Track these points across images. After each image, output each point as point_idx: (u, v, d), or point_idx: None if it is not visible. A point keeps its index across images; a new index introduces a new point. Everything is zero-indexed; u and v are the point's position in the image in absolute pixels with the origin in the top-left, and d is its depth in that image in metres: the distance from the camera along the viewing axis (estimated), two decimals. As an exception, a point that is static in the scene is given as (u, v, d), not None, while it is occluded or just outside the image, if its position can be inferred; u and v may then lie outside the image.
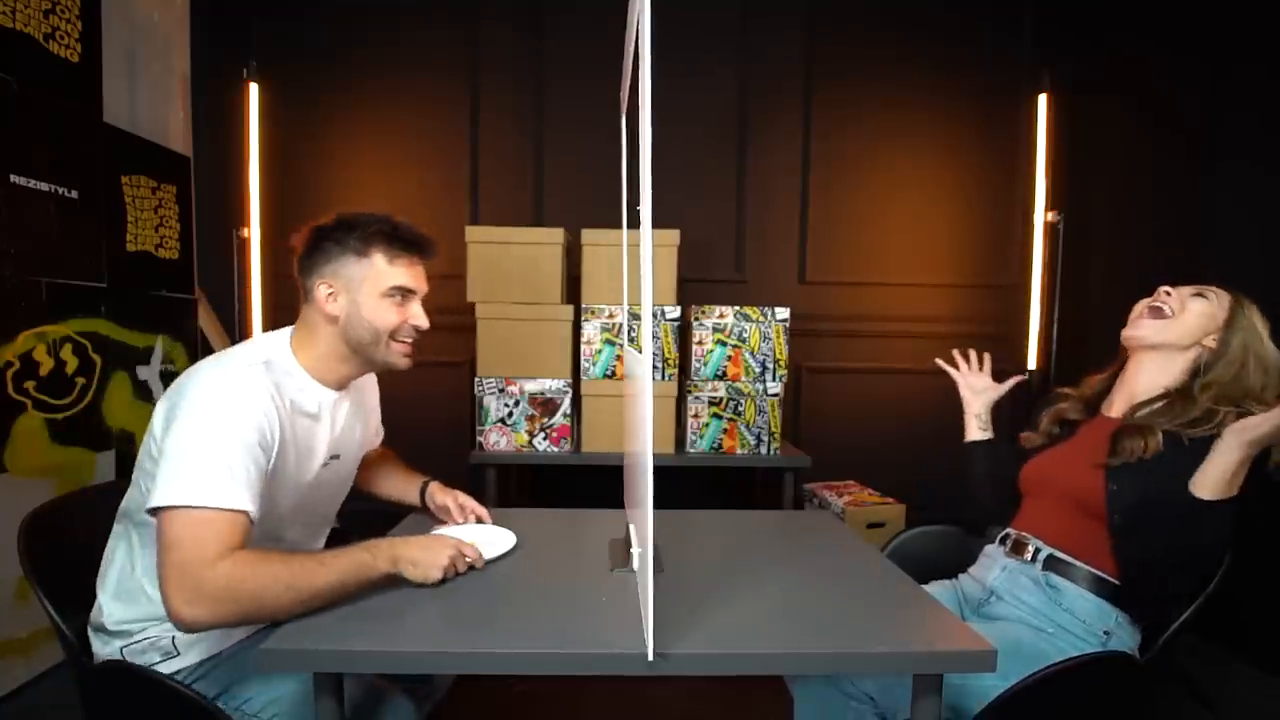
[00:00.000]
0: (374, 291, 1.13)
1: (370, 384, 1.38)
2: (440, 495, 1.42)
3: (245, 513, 0.96)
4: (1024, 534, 1.27)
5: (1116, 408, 1.29)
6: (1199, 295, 1.23)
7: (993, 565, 1.29)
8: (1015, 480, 1.36)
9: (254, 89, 2.69)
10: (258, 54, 2.75)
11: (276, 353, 1.12)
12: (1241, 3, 2.15)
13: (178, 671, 1.06)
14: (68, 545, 1.13)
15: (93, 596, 1.08)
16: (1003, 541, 1.31)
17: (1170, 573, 1.13)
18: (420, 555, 1.03)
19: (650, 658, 0.82)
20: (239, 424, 0.99)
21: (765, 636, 0.91)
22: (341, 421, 1.22)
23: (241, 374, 1.03)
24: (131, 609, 1.06)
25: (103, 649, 1.06)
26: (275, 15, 2.86)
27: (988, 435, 1.46)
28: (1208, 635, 2.14)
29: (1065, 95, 2.74)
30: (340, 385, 1.19)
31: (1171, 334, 1.22)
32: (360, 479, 1.40)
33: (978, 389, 1.48)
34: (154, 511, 0.95)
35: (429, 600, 1.00)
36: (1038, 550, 1.23)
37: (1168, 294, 1.25)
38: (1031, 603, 1.19)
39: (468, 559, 1.08)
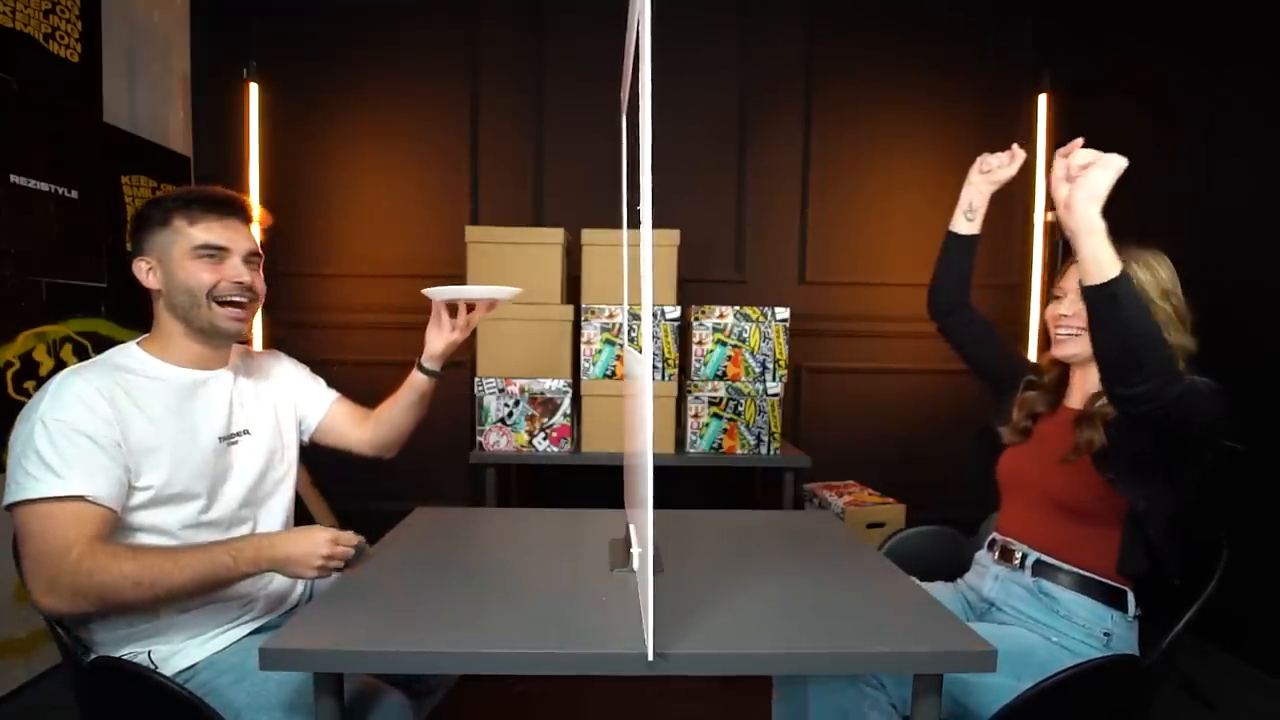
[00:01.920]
0: (182, 255, 1.13)
1: (272, 363, 1.40)
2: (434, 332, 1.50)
3: (83, 497, 0.99)
4: (1010, 539, 1.27)
5: (1077, 399, 1.28)
6: None
7: (985, 574, 1.29)
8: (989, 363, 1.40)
9: (254, 89, 2.69)
10: (258, 54, 2.75)
11: (121, 352, 1.15)
12: (1241, 4, 2.15)
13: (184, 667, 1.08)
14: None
15: None
16: (991, 547, 1.31)
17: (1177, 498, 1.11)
18: (290, 554, 1.03)
19: (650, 658, 0.82)
20: (62, 416, 1.01)
21: (765, 636, 0.91)
22: (233, 398, 1.22)
23: (70, 376, 1.06)
24: (103, 627, 1.07)
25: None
26: (275, 15, 2.86)
27: (972, 230, 1.44)
28: (1207, 635, 2.14)
29: (1065, 96, 2.74)
30: (200, 364, 1.19)
31: (1085, 348, 1.19)
32: (376, 433, 1.52)
33: (985, 173, 1.45)
34: (9, 510, 1.00)
35: (429, 601, 1.00)
36: (1024, 556, 1.23)
37: (1065, 316, 1.22)
38: (1030, 613, 1.20)
39: (345, 545, 1.05)
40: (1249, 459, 2.07)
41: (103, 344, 2.14)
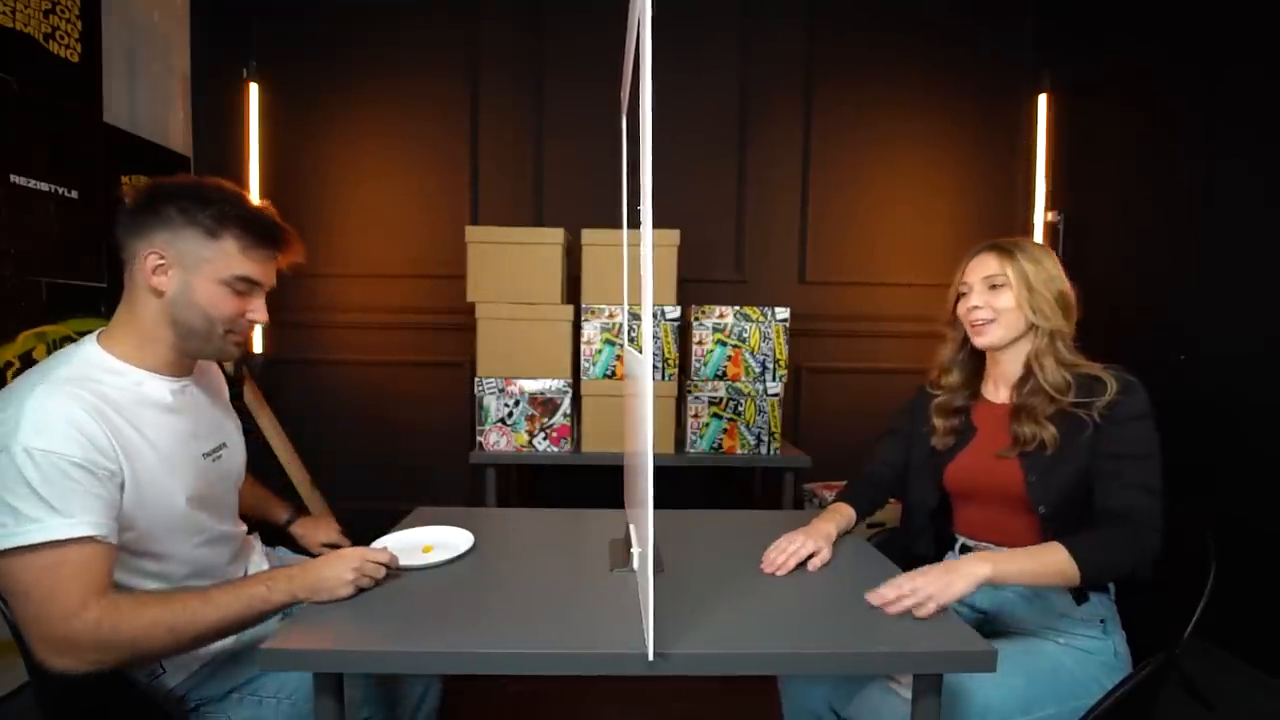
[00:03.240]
0: (214, 276, 1.01)
1: (215, 372, 1.26)
2: (318, 532, 1.41)
3: (92, 538, 0.86)
4: (976, 541, 1.27)
5: (1000, 392, 1.31)
6: (995, 288, 1.25)
7: None
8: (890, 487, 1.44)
9: (254, 89, 2.69)
10: (258, 54, 2.75)
11: (82, 357, 1.00)
12: (1240, 5, 2.15)
13: (172, 688, 1.04)
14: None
15: None
16: (963, 552, 1.28)
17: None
18: (324, 576, 0.98)
19: (650, 658, 0.82)
20: (51, 445, 0.86)
21: (765, 636, 0.91)
22: (205, 410, 1.13)
23: (43, 390, 0.90)
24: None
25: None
26: (275, 15, 2.86)
27: (849, 525, 1.37)
28: (1207, 635, 2.14)
29: (1065, 96, 2.74)
30: (176, 372, 1.07)
31: (1006, 333, 1.25)
32: None
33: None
34: None
35: (429, 601, 1.00)
36: None
37: (977, 308, 1.26)
38: (1030, 619, 1.19)
39: (378, 563, 1.03)
40: (1249, 459, 2.07)
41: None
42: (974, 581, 1.01)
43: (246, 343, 1.12)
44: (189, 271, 1.00)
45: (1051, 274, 1.24)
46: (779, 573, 1.14)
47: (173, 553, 1.03)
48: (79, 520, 0.86)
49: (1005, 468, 1.21)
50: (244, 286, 1.04)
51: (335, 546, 1.38)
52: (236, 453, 1.21)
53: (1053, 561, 1.05)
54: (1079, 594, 1.16)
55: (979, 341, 1.28)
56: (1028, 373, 1.24)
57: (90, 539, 0.87)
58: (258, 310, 1.07)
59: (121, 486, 0.93)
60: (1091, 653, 1.13)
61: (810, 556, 1.18)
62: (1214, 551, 1.09)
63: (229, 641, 1.05)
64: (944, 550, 1.34)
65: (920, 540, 1.36)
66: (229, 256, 1.01)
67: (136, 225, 1.00)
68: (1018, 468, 1.20)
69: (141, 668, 0.98)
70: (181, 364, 1.08)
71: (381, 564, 1.04)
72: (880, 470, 1.46)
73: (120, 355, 1.02)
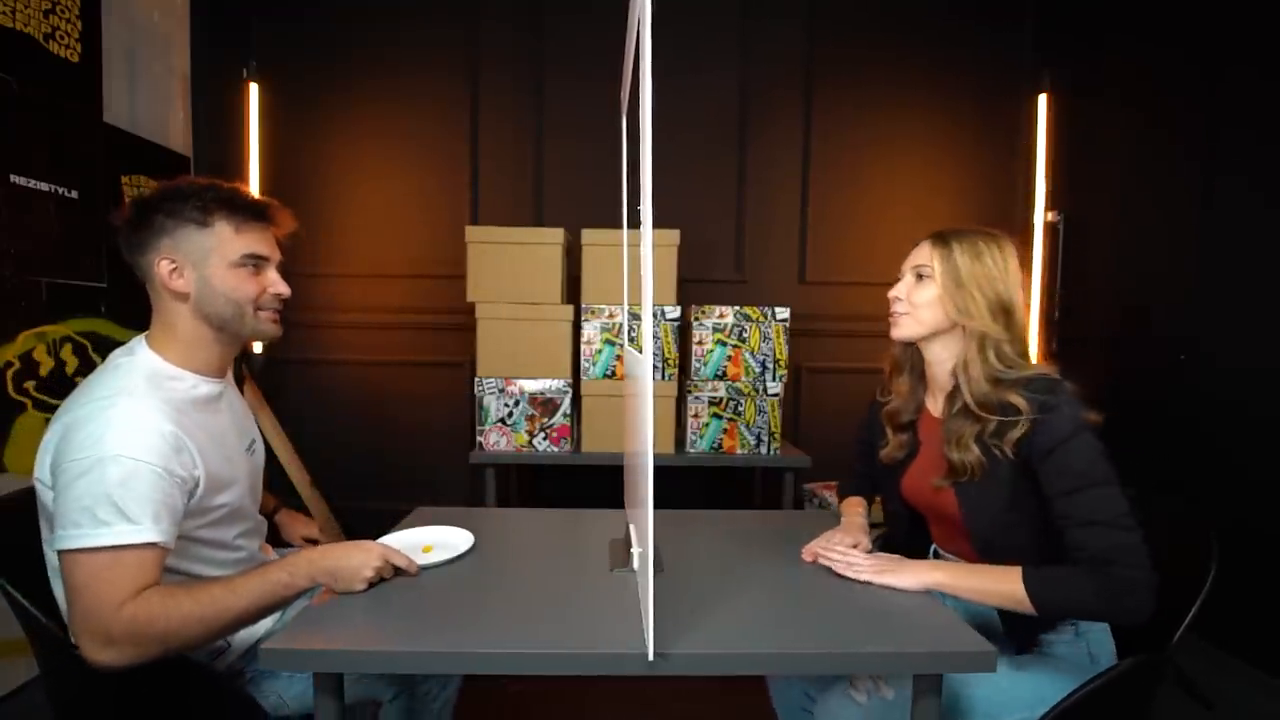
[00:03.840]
0: (223, 262, 1.05)
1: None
2: (298, 526, 1.45)
3: (153, 545, 0.92)
4: (949, 555, 1.23)
5: (937, 403, 1.23)
6: (921, 278, 1.17)
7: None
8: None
9: (254, 89, 2.69)
10: (258, 54, 2.75)
11: (146, 365, 1.04)
12: (1239, 6, 2.15)
13: (230, 664, 1.10)
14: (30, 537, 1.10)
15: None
16: (935, 556, 1.27)
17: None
18: (342, 566, 1.01)
19: (650, 658, 0.82)
20: (134, 456, 0.92)
21: (765, 636, 0.91)
22: (238, 406, 1.20)
23: (125, 403, 0.96)
24: None
25: None
26: (275, 15, 2.86)
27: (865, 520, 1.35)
28: (1206, 635, 2.14)
29: (1065, 96, 2.74)
30: (219, 371, 1.13)
31: (917, 328, 1.18)
32: None
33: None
34: (60, 553, 0.91)
35: (429, 601, 1.00)
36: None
37: (897, 299, 1.20)
38: (1010, 629, 1.15)
39: (395, 564, 1.06)
40: (1249, 458, 2.07)
41: (103, 344, 2.14)
42: (919, 584, 1.04)
43: (279, 318, 1.15)
44: (200, 266, 1.05)
45: (992, 273, 1.12)
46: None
47: (231, 542, 1.11)
48: (145, 527, 0.91)
49: (944, 493, 1.15)
50: (252, 263, 1.08)
51: (314, 541, 1.42)
52: (260, 445, 1.27)
53: (1008, 591, 1.00)
54: None
55: (892, 333, 1.22)
56: (956, 384, 1.15)
57: (151, 545, 0.92)
58: (275, 283, 1.12)
59: (193, 491, 1.00)
60: (1063, 658, 1.09)
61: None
62: (1217, 553, 1.07)
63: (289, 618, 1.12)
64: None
65: (907, 546, 1.30)
66: (227, 239, 1.05)
67: (138, 243, 1.05)
68: (953, 495, 1.14)
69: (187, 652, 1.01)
70: (223, 362, 1.14)
71: (398, 566, 1.07)
72: (860, 479, 1.46)
73: (173, 360, 1.07)
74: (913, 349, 1.26)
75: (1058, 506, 1.02)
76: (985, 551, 1.12)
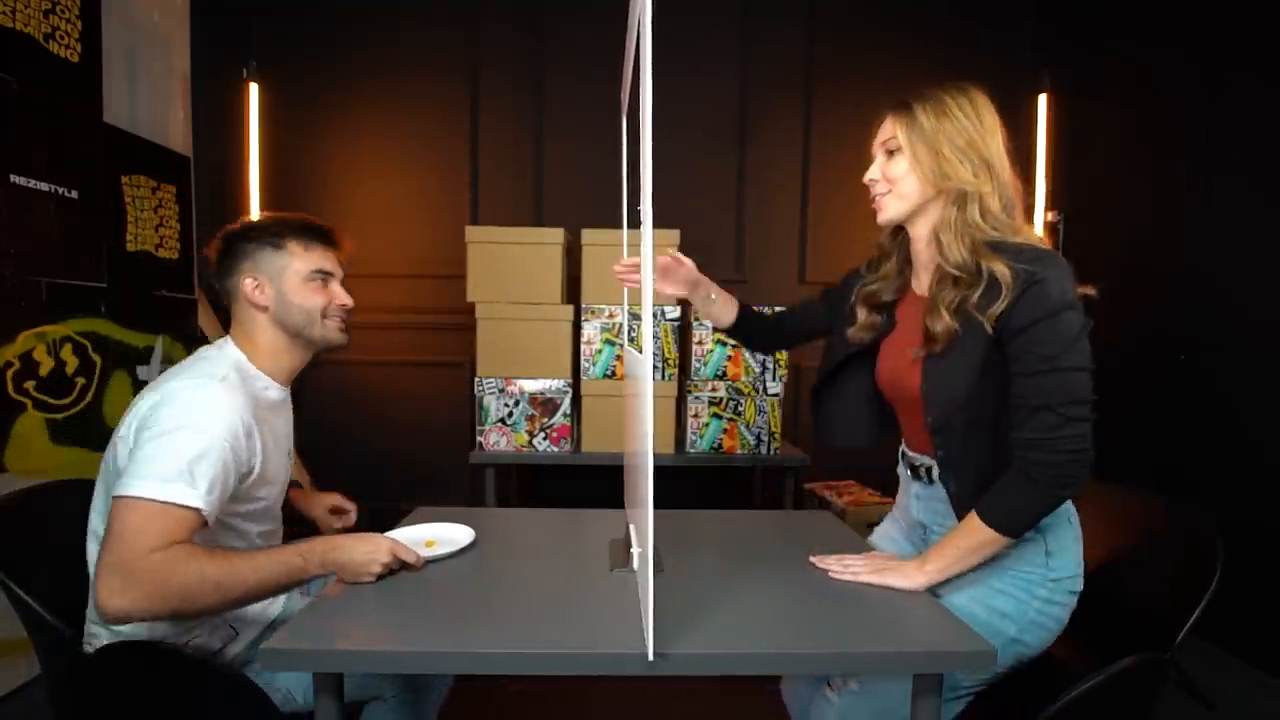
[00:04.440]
0: (296, 277, 1.22)
1: None
2: (312, 504, 1.49)
3: (198, 512, 1.00)
4: (914, 454, 1.19)
5: (922, 281, 1.17)
6: (890, 153, 1.11)
7: (907, 492, 1.25)
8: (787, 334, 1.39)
9: (254, 89, 2.69)
10: (258, 54, 2.76)
11: (235, 359, 1.20)
12: (1238, 7, 2.15)
13: (238, 652, 1.14)
14: (34, 536, 1.12)
15: (57, 587, 1.06)
16: (903, 461, 1.25)
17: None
18: (353, 557, 1.05)
19: (650, 658, 0.82)
20: (212, 432, 1.04)
21: (765, 636, 0.91)
22: (290, 418, 1.33)
23: (216, 386, 1.09)
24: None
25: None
26: (275, 15, 2.86)
27: (729, 317, 1.37)
28: (1208, 635, 2.14)
29: (1065, 96, 2.74)
30: (287, 379, 1.27)
31: (901, 204, 1.11)
32: None
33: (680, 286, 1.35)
34: (117, 499, 0.98)
35: (429, 601, 1.00)
36: (929, 469, 1.15)
37: (874, 181, 1.14)
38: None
39: (403, 559, 1.09)
40: (1249, 458, 2.07)
41: (102, 344, 2.14)
42: (908, 585, 1.04)
43: (345, 326, 1.29)
44: (276, 281, 1.21)
45: (962, 125, 1.05)
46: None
47: (254, 539, 1.20)
48: (200, 494, 1.00)
49: (911, 369, 1.10)
50: (320, 277, 1.24)
51: (342, 512, 1.50)
52: (293, 456, 1.37)
53: (982, 536, 1.00)
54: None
55: (879, 219, 1.15)
56: (948, 273, 1.06)
57: (197, 511, 1.00)
58: (340, 295, 1.27)
59: (245, 477, 1.11)
60: (1021, 556, 1.05)
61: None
62: (1221, 554, 1.07)
63: (297, 603, 1.21)
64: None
65: (859, 431, 1.28)
66: (298, 257, 1.22)
67: (227, 270, 1.23)
68: (919, 370, 1.08)
69: (184, 621, 1.07)
70: (292, 370, 1.28)
71: (406, 561, 1.10)
72: (789, 319, 1.42)
73: (255, 363, 1.22)
74: (901, 236, 1.19)
75: (1015, 387, 0.98)
76: (943, 438, 1.06)
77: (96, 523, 1.09)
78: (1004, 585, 1.06)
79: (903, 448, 1.25)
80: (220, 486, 1.04)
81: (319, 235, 1.26)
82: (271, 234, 1.23)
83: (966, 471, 1.06)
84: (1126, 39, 2.64)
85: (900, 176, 1.09)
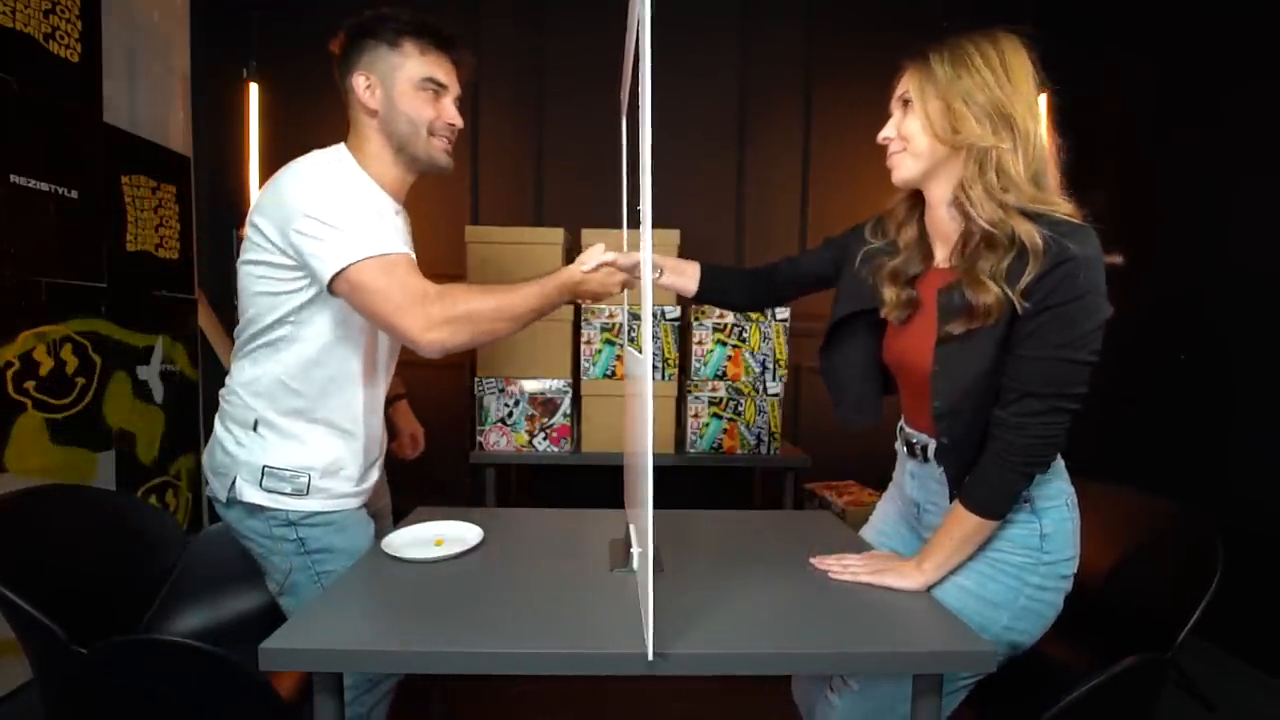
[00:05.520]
0: (408, 83, 1.18)
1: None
2: (405, 419, 1.65)
3: (408, 255, 1.10)
4: (912, 431, 1.17)
5: (940, 253, 1.10)
6: (906, 104, 1.05)
7: (903, 470, 1.23)
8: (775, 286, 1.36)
9: (254, 89, 2.69)
10: (258, 54, 2.76)
11: (346, 160, 1.21)
12: (1239, 15, 2.15)
13: (293, 511, 1.18)
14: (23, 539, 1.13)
15: (55, 592, 1.06)
16: (900, 435, 1.22)
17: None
18: (591, 286, 1.22)
19: (650, 658, 0.82)
20: (362, 196, 1.13)
21: (765, 636, 0.91)
22: (409, 231, 1.31)
23: (343, 164, 1.18)
24: (289, 447, 1.18)
25: (233, 480, 1.17)
26: (275, 15, 2.86)
27: (686, 283, 1.31)
28: (1208, 635, 2.14)
29: (1065, 97, 2.74)
30: (396, 191, 1.26)
31: (915, 163, 1.04)
32: None
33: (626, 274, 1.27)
34: (335, 278, 1.06)
35: (429, 601, 1.00)
36: (925, 447, 1.12)
37: (888, 139, 1.08)
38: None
39: (626, 268, 1.23)
40: (1250, 458, 2.07)
41: (103, 344, 2.14)
42: (905, 585, 1.04)
43: (450, 150, 1.27)
44: (388, 85, 1.18)
45: (981, 78, 0.96)
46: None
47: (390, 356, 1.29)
48: (390, 240, 1.09)
49: (922, 350, 1.04)
50: (432, 87, 1.20)
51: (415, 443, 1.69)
52: None
53: (968, 528, 1.00)
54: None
55: (893, 178, 1.08)
56: (964, 224, 1.00)
57: (406, 255, 1.10)
58: (449, 112, 1.23)
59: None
60: (1014, 540, 1.04)
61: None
62: (1222, 556, 1.07)
63: (352, 501, 1.25)
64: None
65: (854, 407, 1.24)
66: (412, 60, 1.18)
67: (346, 63, 1.21)
68: (930, 353, 1.02)
69: (482, 345, 1.28)
70: (401, 186, 1.27)
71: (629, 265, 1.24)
72: (784, 267, 1.34)
73: (365, 168, 1.22)
74: (918, 201, 1.12)
75: (1014, 366, 0.95)
76: (947, 424, 1.02)
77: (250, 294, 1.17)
78: (995, 573, 1.05)
79: (901, 423, 1.22)
80: (397, 233, 1.12)
81: (438, 38, 1.21)
82: (391, 29, 1.18)
83: (967, 454, 1.03)
84: (1127, 40, 2.64)
85: (915, 133, 1.02)
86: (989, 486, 1.00)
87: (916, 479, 1.18)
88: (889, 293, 1.12)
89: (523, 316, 1.14)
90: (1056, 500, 1.05)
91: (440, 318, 1.06)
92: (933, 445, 1.09)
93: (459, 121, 1.24)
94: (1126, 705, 1.03)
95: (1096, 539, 1.18)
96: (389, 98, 1.18)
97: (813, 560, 1.16)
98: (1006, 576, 1.04)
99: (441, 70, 1.21)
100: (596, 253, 1.25)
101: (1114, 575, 1.23)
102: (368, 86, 1.18)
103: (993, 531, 1.03)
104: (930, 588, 1.06)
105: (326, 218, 1.07)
